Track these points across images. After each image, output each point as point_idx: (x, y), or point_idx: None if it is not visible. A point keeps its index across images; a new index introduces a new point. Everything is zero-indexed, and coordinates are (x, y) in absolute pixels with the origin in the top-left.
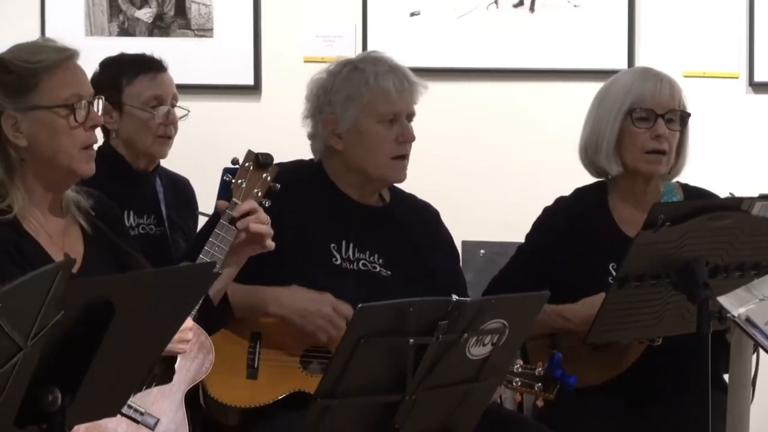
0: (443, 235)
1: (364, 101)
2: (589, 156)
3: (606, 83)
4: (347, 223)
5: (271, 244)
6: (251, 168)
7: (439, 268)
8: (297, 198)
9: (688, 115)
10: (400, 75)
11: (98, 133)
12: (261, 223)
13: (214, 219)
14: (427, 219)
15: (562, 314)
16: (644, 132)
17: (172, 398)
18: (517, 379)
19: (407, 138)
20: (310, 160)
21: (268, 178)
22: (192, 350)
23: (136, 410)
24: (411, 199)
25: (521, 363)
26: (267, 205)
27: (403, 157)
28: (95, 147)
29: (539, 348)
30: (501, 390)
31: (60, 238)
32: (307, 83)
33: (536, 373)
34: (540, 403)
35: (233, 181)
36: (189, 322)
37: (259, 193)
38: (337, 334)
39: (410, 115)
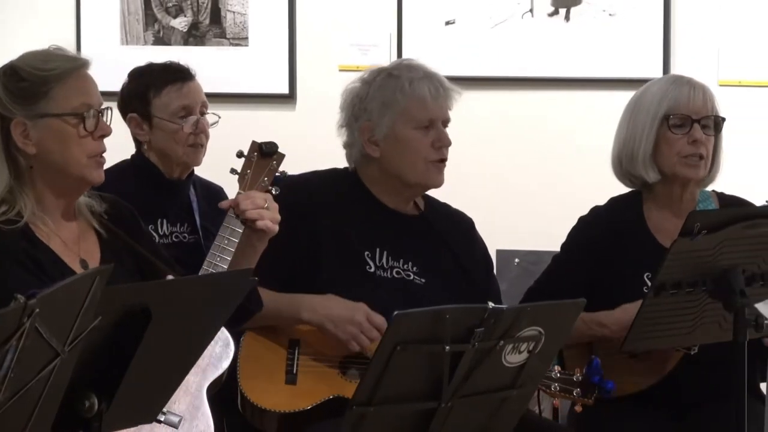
0: (478, 243)
1: (400, 108)
2: (624, 166)
3: (637, 93)
4: (381, 230)
5: (271, 226)
6: (256, 158)
7: (474, 275)
8: (332, 206)
9: (723, 119)
10: (435, 81)
11: (130, 143)
12: (256, 208)
13: None
14: (462, 227)
15: (599, 321)
16: (681, 138)
17: (193, 395)
18: (556, 384)
19: (444, 143)
20: (345, 168)
21: (275, 165)
22: None
23: None
24: (445, 207)
25: (559, 368)
26: (275, 192)
27: (441, 161)
28: (104, 155)
29: (576, 356)
30: (539, 396)
31: (75, 244)
32: (341, 93)
33: (574, 379)
34: (578, 408)
35: (238, 172)
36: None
37: (266, 180)
38: (367, 345)
39: (445, 121)
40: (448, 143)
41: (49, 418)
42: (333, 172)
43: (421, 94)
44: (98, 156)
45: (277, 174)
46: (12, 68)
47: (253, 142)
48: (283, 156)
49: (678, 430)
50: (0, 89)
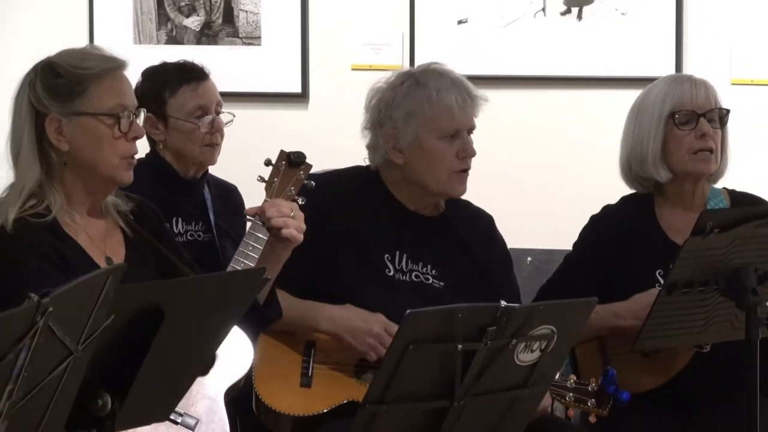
0: (497, 241)
1: (426, 117)
2: (634, 169)
3: (638, 97)
4: (402, 233)
5: (296, 235)
6: (284, 167)
7: (491, 275)
8: (351, 207)
9: (727, 111)
10: (463, 91)
11: (144, 142)
12: (282, 216)
13: None
14: (482, 225)
15: (614, 311)
16: (689, 133)
17: (211, 399)
18: (571, 394)
19: (468, 153)
20: (367, 167)
21: (302, 175)
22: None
23: (175, 411)
24: (465, 205)
25: (574, 378)
26: (301, 202)
27: (464, 171)
28: (136, 157)
29: (588, 353)
30: (551, 402)
31: (101, 241)
32: (367, 91)
33: (589, 389)
34: (593, 419)
35: (265, 180)
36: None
37: (293, 190)
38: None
39: (471, 129)
40: (473, 153)
41: (63, 416)
42: (354, 171)
43: (449, 104)
44: (129, 157)
45: (303, 183)
46: (49, 64)
47: (282, 152)
48: (310, 166)
49: (687, 429)
50: (37, 85)
